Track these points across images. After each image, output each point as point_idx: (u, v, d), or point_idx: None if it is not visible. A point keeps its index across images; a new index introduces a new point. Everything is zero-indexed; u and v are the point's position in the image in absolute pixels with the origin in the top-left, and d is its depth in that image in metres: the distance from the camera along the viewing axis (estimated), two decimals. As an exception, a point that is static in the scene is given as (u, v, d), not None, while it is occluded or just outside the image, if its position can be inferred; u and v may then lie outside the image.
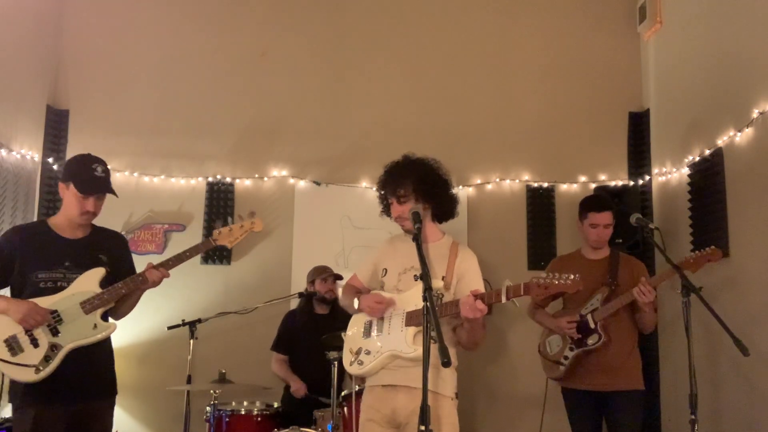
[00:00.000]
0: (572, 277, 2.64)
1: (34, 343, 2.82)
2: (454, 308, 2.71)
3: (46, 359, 2.81)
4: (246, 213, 3.30)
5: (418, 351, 2.65)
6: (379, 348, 2.83)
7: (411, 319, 2.78)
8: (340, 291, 4.48)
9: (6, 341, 2.81)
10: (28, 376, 2.79)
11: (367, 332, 2.91)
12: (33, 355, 2.81)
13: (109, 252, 3.06)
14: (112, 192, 3.03)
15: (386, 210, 3.06)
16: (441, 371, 2.77)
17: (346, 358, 2.95)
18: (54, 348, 2.83)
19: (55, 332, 2.85)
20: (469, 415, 4.82)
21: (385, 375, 2.83)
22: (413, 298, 2.79)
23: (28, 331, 2.83)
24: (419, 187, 2.91)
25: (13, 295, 2.95)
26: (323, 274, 4.50)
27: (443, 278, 2.88)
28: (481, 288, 2.84)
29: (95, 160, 3.01)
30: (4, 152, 4.40)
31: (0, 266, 2.92)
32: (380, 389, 2.83)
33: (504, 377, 4.88)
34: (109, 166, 3.09)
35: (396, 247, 3.04)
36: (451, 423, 2.78)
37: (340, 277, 4.51)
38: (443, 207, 3.00)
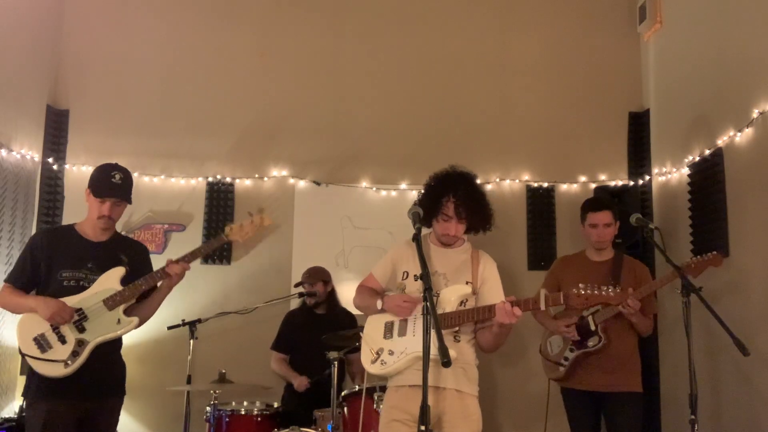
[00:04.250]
0: (615, 288, 2.70)
1: (62, 339, 2.99)
2: (488, 313, 2.77)
3: (74, 354, 2.97)
4: (255, 210, 3.37)
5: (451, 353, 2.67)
6: (405, 349, 2.85)
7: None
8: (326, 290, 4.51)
9: (35, 339, 2.98)
10: (58, 371, 2.95)
11: (389, 333, 2.93)
12: (61, 351, 2.97)
13: (129, 254, 3.20)
14: (123, 198, 3.17)
15: (427, 218, 2.98)
16: (467, 371, 2.88)
17: (366, 356, 2.95)
18: (81, 343, 2.99)
19: (81, 329, 3.01)
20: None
21: (411, 375, 2.84)
22: (440, 302, 2.84)
23: (56, 329, 2.99)
24: (476, 212, 2.94)
25: (39, 292, 3.10)
26: (310, 278, 4.49)
27: (468, 283, 2.92)
28: (501, 293, 2.92)
29: (117, 168, 3.19)
30: (4, 152, 4.40)
31: (32, 268, 3.09)
32: (407, 389, 2.84)
33: (507, 377, 4.88)
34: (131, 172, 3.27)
35: (416, 250, 3.03)
36: (477, 420, 2.88)
37: (311, 281, 4.50)
38: (484, 225, 3.03)
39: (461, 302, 2.88)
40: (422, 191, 3.07)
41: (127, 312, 3.09)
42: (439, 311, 2.81)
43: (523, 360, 4.81)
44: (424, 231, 3.11)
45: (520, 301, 2.71)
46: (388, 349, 2.89)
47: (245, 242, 3.35)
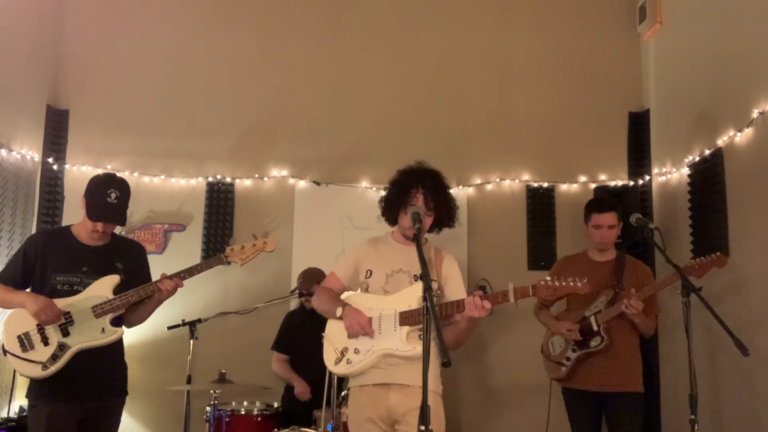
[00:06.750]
0: (582, 279, 2.73)
1: (45, 341, 2.96)
2: (456, 308, 2.79)
3: (54, 357, 2.94)
4: (260, 233, 3.28)
5: (417, 349, 2.73)
6: (371, 347, 2.87)
7: (405, 319, 2.85)
8: None
9: (19, 337, 2.96)
10: (36, 372, 2.93)
11: None
12: (42, 353, 2.95)
13: (126, 261, 3.18)
14: (116, 222, 3.12)
15: (393, 212, 3.03)
16: (431, 369, 2.82)
17: (330, 356, 2.97)
18: (62, 347, 2.96)
19: (65, 333, 2.98)
20: (473, 415, 4.82)
21: (375, 374, 2.87)
22: (405, 299, 2.87)
23: (41, 330, 2.96)
24: (443, 203, 2.98)
25: None
26: (306, 283, 4.46)
27: (432, 281, 2.91)
28: (464, 290, 2.97)
29: (113, 185, 3.09)
30: (4, 152, 4.40)
31: (23, 269, 3.07)
32: (371, 388, 2.87)
33: (508, 377, 4.88)
34: (124, 175, 3.26)
35: (378, 249, 3.07)
36: (441, 418, 2.88)
37: None
38: (449, 221, 3.07)
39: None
40: (388, 186, 3.09)
41: (115, 321, 3.07)
42: (405, 308, 2.84)
43: (525, 359, 4.78)
44: (385, 230, 3.12)
45: (489, 294, 2.74)
46: (354, 348, 2.90)
47: (244, 265, 3.27)
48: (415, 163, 3.10)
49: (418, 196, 2.94)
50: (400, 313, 2.85)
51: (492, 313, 2.77)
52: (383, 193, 3.16)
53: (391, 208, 3.05)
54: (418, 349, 2.35)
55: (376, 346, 2.86)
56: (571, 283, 2.73)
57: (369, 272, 3.00)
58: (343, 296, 3.07)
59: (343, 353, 2.92)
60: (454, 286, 2.99)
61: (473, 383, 4.89)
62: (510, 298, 2.72)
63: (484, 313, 2.70)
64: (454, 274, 3.03)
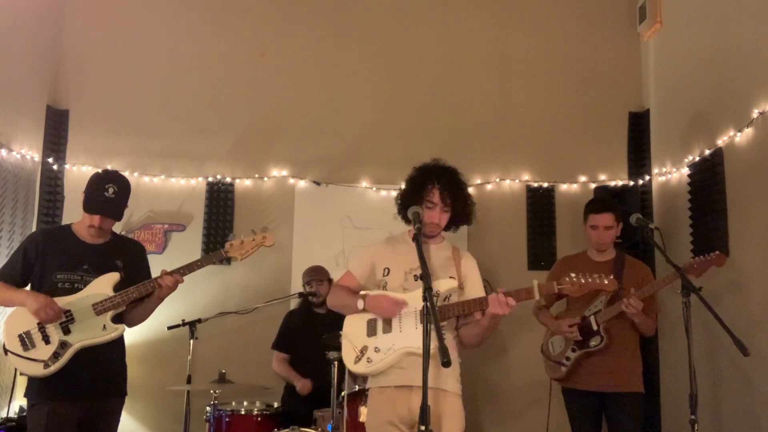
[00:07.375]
0: (608, 275, 2.73)
1: (46, 339, 2.96)
2: (479, 305, 2.76)
3: (55, 356, 2.94)
4: (259, 228, 3.29)
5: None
6: (392, 345, 2.81)
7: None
8: None
9: (20, 336, 2.96)
10: (37, 370, 2.93)
11: (372, 331, 2.88)
12: (43, 351, 2.95)
13: (126, 259, 3.18)
14: (111, 216, 3.13)
15: (406, 209, 2.97)
16: (450, 369, 2.80)
17: (349, 356, 2.90)
18: (64, 345, 2.96)
19: (66, 331, 2.98)
20: (473, 415, 4.81)
21: (396, 375, 2.80)
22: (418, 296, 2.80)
23: (42, 328, 2.96)
24: (460, 200, 2.96)
25: None
26: (318, 275, 4.48)
27: (451, 278, 2.91)
28: (483, 289, 2.93)
29: (112, 180, 3.11)
30: (4, 152, 4.40)
31: (23, 267, 3.07)
32: (393, 390, 2.81)
33: (508, 376, 4.89)
34: (125, 175, 3.22)
35: (396, 247, 3.03)
36: (461, 419, 2.84)
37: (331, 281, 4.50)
38: (466, 218, 3.05)
39: (445, 297, 2.87)
40: (405, 183, 3.06)
41: (116, 318, 3.07)
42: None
43: (526, 359, 4.79)
44: (401, 230, 3.10)
45: (512, 291, 2.70)
46: (374, 347, 2.84)
47: (243, 260, 3.27)
48: (431, 160, 3.07)
49: (434, 192, 2.91)
50: (420, 310, 2.76)
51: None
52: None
53: (407, 206, 2.98)
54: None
55: (397, 344, 2.80)
56: (597, 280, 2.72)
57: (386, 270, 2.96)
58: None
59: (362, 352, 2.85)
60: (472, 285, 2.95)
61: (472, 382, 4.88)
62: (535, 294, 2.70)
63: (508, 310, 2.65)
64: (473, 272, 3.00)
